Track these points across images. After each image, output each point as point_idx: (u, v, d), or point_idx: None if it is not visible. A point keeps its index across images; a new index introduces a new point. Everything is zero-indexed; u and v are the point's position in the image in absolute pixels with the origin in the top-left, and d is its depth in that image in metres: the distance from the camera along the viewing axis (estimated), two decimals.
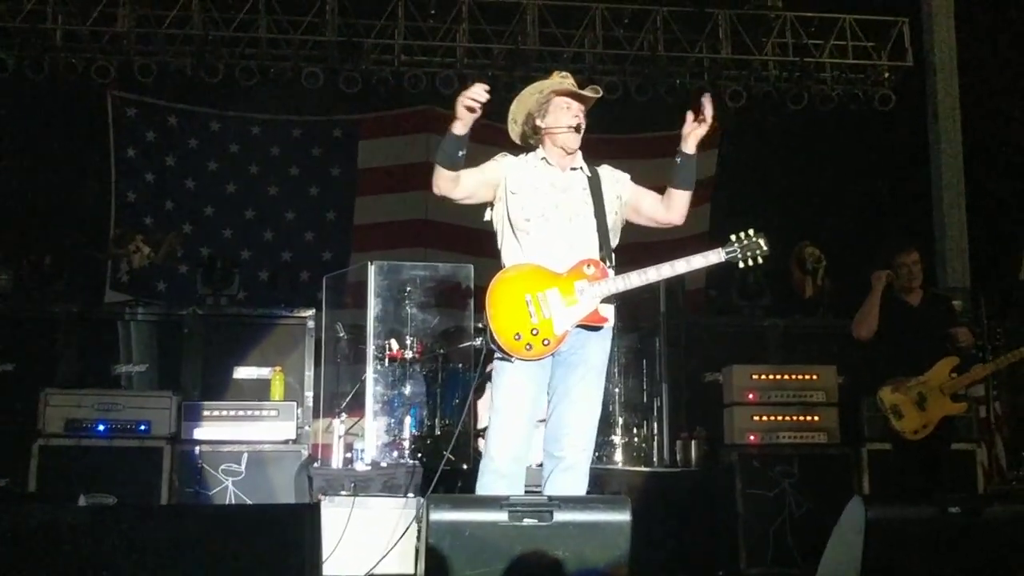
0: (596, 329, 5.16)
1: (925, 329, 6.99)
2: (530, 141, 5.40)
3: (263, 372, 9.06)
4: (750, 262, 5.08)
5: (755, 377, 8.55)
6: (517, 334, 5.02)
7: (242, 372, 9.12)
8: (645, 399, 9.55)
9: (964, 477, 8.29)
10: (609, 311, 5.14)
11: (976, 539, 4.81)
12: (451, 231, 12.22)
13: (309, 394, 9.05)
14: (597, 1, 12.62)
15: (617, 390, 9.12)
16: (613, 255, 5.22)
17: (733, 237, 5.09)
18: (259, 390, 8.92)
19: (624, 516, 4.41)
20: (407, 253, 11.85)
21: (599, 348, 5.23)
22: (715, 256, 5.09)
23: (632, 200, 5.33)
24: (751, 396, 8.49)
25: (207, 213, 12.61)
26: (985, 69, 12.87)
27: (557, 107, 5.30)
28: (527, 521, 4.37)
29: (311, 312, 9.36)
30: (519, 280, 5.10)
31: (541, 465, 5.31)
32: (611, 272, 5.11)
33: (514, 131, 5.42)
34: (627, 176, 5.41)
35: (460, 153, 5.06)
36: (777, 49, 13.01)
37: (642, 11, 12.73)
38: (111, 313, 9.47)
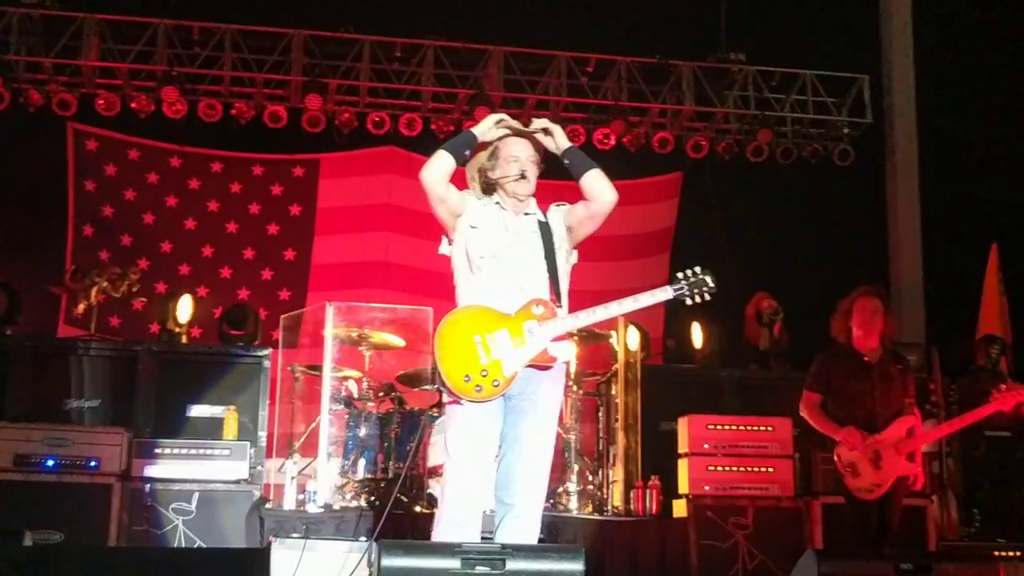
0: (546, 370, 5.14)
1: (881, 387, 7.00)
2: (487, 192, 5.42)
3: (217, 410, 8.98)
4: (697, 299, 5.09)
5: (710, 427, 8.57)
6: (467, 375, 4.99)
7: (196, 410, 9.04)
8: (600, 446, 9.54)
9: (916, 532, 8.32)
10: (559, 351, 5.11)
11: None
12: (410, 273, 12.21)
13: (263, 434, 8.98)
14: (562, 50, 12.71)
15: (573, 437, 9.08)
16: (564, 296, 5.22)
17: (680, 275, 5.10)
18: (212, 428, 8.84)
19: (577, 566, 4.39)
20: (366, 294, 11.80)
21: (550, 391, 5.21)
22: (662, 294, 5.09)
23: (571, 220, 5.34)
24: (706, 446, 8.51)
25: (165, 249, 12.51)
26: (944, 127, 13.05)
27: (505, 160, 5.32)
28: (479, 569, 4.34)
29: (267, 351, 9.31)
30: (468, 321, 5.09)
31: (494, 511, 5.27)
32: (560, 312, 5.11)
33: (474, 187, 5.45)
34: (567, 204, 5.40)
35: (467, 152, 5.20)
36: (739, 102, 13.15)
37: (606, 61, 12.84)
38: (65, 347, 9.37)
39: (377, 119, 12.47)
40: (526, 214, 5.32)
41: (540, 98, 12.77)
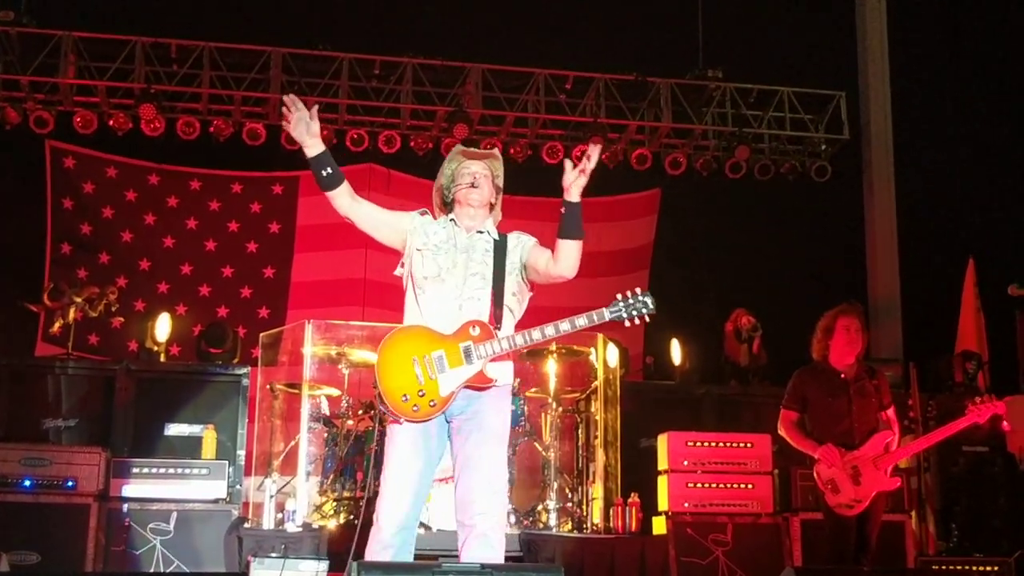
0: (484, 390, 5.17)
1: (859, 402, 7.03)
2: (445, 210, 5.50)
3: (195, 429, 8.95)
4: (636, 320, 5.09)
5: (690, 444, 8.58)
6: (405, 395, 5.06)
7: (174, 429, 9.01)
8: (580, 463, 9.54)
9: (894, 548, 8.35)
10: (498, 372, 5.17)
11: None
12: (389, 290, 12.15)
13: (241, 452, 8.95)
14: (540, 67, 12.75)
15: (552, 454, 9.09)
16: (507, 317, 5.24)
17: (619, 296, 5.10)
18: (191, 447, 8.81)
19: None
20: (345, 311, 11.78)
21: (494, 411, 5.24)
22: (598, 316, 5.11)
23: (530, 260, 5.35)
24: (686, 463, 8.52)
25: (143, 267, 12.47)
26: (920, 143, 13.13)
27: (459, 175, 5.40)
28: None
29: (246, 370, 9.29)
30: (407, 342, 5.15)
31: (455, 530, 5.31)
32: (498, 334, 5.13)
33: (438, 213, 5.52)
34: (533, 240, 5.43)
35: (323, 172, 5.18)
36: (716, 119, 13.22)
37: (584, 78, 12.88)
38: (42, 366, 9.32)
39: (356, 136, 12.48)
40: (478, 232, 5.36)
41: (519, 115, 12.81)
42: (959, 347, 11.50)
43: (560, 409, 9.35)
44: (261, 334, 9.82)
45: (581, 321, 5.09)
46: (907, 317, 12.86)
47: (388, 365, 5.12)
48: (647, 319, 5.11)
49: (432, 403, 5.07)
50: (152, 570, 7.82)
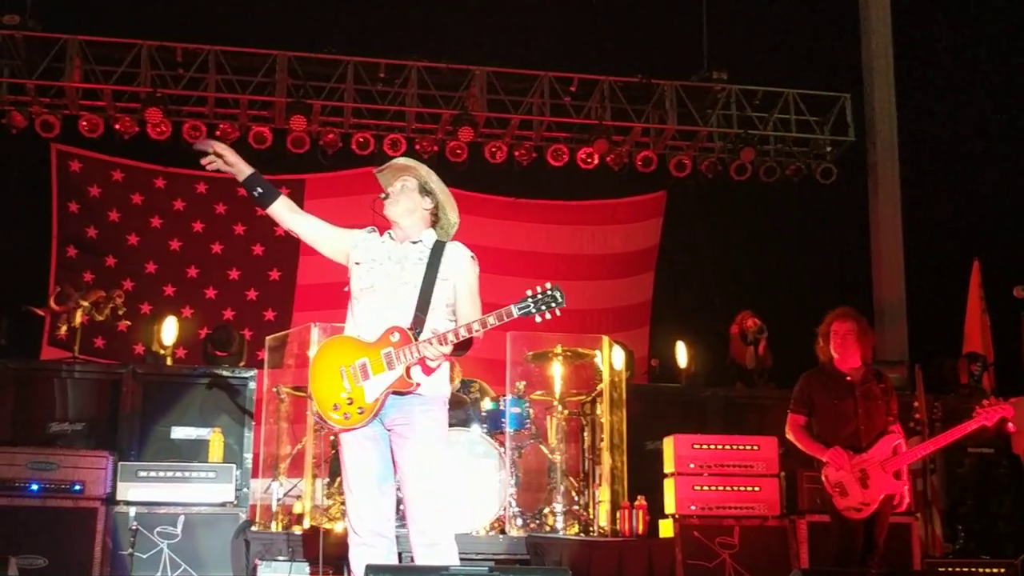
0: (410, 395, 5.25)
1: (865, 405, 7.03)
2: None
3: (202, 432, 8.98)
4: (547, 315, 5.11)
5: (696, 447, 8.58)
6: (335, 404, 5.24)
7: (180, 432, 9.03)
8: (586, 466, 9.55)
9: (901, 549, 8.35)
10: (421, 377, 5.26)
11: None
12: None
13: (248, 455, 8.96)
14: (544, 70, 12.76)
15: (558, 457, 9.09)
16: (434, 322, 5.29)
17: (529, 292, 5.12)
18: (197, 450, 8.84)
19: None
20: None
21: (426, 417, 5.33)
22: (507, 314, 5.13)
23: (454, 287, 5.42)
24: (692, 466, 8.52)
25: (149, 270, 12.49)
26: (926, 144, 13.13)
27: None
28: None
29: (252, 372, 9.31)
30: (334, 352, 5.32)
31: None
32: (417, 338, 5.21)
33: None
34: (466, 265, 5.47)
35: (255, 193, 5.53)
36: (721, 121, 13.22)
37: (589, 80, 12.89)
38: (48, 370, 9.33)
39: (361, 139, 12.50)
40: (414, 243, 5.46)
41: (523, 118, 12.81)
42: (964, 349, 11.49)
43: (566, 412, 9.35)
44: (267, 337, 9.82)
45: (491, 320, 5.13)
46: (912, 319, 12.84)
47: (318, 376, 5.32)
48: (557, 313, 5.12)
49: (360, 410, 5.22)
50: (159, 574, 7.82)
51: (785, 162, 13.28)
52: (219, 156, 5.44)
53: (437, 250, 5.42)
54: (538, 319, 5.15)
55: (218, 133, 12.26)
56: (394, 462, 5.38)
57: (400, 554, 5.81)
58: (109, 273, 12.24)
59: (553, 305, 5.11)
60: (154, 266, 12.54)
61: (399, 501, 5.56)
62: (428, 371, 5.29)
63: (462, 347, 5.21)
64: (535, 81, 12.79)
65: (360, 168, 12.74)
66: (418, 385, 5.23)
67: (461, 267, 5.45)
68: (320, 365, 5.33)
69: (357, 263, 5.45)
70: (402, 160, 5.60)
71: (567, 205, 13.44)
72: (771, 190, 13.17)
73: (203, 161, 5.46)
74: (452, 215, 5.58)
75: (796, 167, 13.26)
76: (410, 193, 5.49)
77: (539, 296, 5.11)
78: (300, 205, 5.87)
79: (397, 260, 5.40)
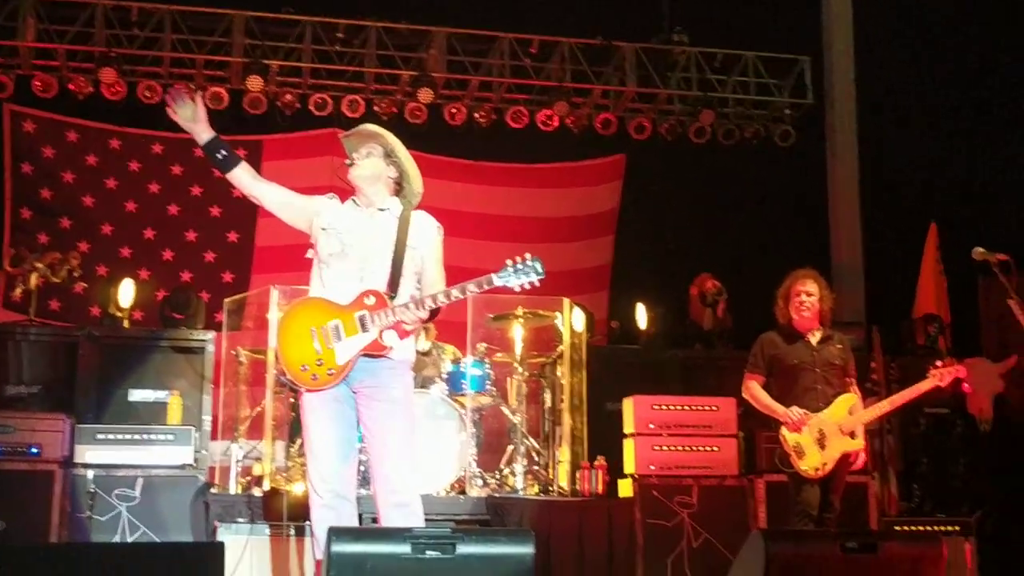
0: (381, 359, 5.30)
1: (823, 366, 7.09)
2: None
3: (160, 395, 8.92)
4: (526, 285, 5.19)
5: (655, 407, 8.62)
6: (303, 365, 5.27)
7: (138, 395, 8.97)
8: (546, 427, 9.58)
9: (857, 509, 8.44)
10: (394, 340, 5.30)
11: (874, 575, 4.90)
12: None
13: (207, 418, 8.91)
14: (504, 31, 12.70)
15: (519, 418, 9.11)
16: (406, 288, 5.38)
17: (509, 261, 5.18)
18: (156, 413, 8.77)
19: (527, 549, 4.41)
20: (308, 276, 11.71)
21: (397, 382, 5.40)
22: (486, 282, 5.20)
23: (422, 256, 5.49)
24: (651, 426, 8.56)
25: (105, 232, 12.36)
26: (884, 108, 13.19)
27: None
28: (430, 553, 4.35)
29: (210, 335, 9.25)
30: (304, 313, 5.37)
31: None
32: (392, 303, 5.27)
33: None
34: (434, 236, 5.56)
35: (218, 156, 5.53)
36: (681, 83, 13.22)
37: (549, 42, 12.84)
38: (3, 333, 9.23)
39: (319, 100, 12.40)
40: (380, 209, 5.50)
41: (483, 79, 12.76)
42: (920, 311, 11.60)
43: (526, 373, 9.37)
44: (225, 300, 9.76)
45: (471, 287, 5.21)
46: (869, 281, 12.94)
47: (287, 336, 5.35)
48: (536, 284, 5.20)
49: (330, 372, 5.25)
50: (118, 536, 7.77)
51: (744, 125, 13.31)
52: (194, 105, 5.47)
53: (405, 219, 5.46)
54: (516, 289, 5.18)
55: (177, 85, 12.12)
56: (359, 425, 5.39)
57: (360, 515, 5.85)
58: (64, 235, 12.09)
59: (533, 276, 5.18)
60: (110, 228, 12.40)
61: (360, 463, 5.58)
62: (404, 335, 5.33)
63: (432, 315, 5.31)
64: (495, 42, 12.74)
65: (318, 129, 12.66)
66: (390, 349, 5.26)
67: (429, 236, 5.52)
68: (289, 326, 5.35)
69: (323, 228, 5.46)
70: (369, 127, 5.63)
71: (527, 168, 13.40)
72: (730, 153, 13.19)
73: (170, 104, 5.49)
74: (416, 184, 5.61)
75: (755, 130, 13.28)
76: (375, 160, 5.52)
77: (519, 266, 5.17)
78: (257, 166, 5.90)
79: (365, 227, 5.43)
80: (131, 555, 5.34)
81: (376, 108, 12.56)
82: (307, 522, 7.25)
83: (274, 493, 8.00)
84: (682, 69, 13.20)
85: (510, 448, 9.13)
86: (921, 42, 12.85)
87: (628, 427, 8.65)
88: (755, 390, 7.23)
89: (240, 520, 7.66)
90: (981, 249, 6.48)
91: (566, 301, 9.36)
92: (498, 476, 8.95)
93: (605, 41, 12.90)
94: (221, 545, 5.14)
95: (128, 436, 8.09)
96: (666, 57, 13.15)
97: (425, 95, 12.28)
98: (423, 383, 8.78)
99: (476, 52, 12.77)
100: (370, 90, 12.64)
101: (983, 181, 12.20)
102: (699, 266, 11.44)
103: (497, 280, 5.18)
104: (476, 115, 12.86)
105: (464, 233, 11.76)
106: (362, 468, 6.49)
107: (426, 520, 5.35)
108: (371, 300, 5.26)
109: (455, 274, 5.55)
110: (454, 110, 12.81)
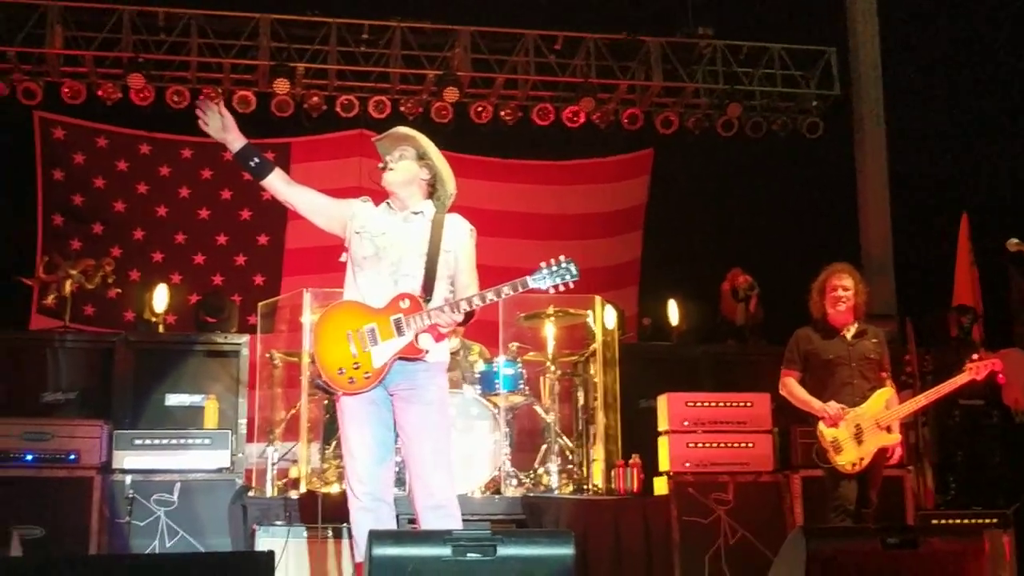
0: (416, 361, 5.33)
1: (859, 361, 7.07)
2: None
3: (196, 399, 8.97)
4: (560, 287, 5.23)
5: (689, 404, 8.62)
6: (340, 369, 5.31)
7: (174, 399, 9.02)
8: (580, 426, 9.58)
9: (894, 503, 8.41)
10: (429, 344, 5.32)
11: (915, 571, 4.89)
12: None
13: (243, 421, 8.96)
14: (529, 29, 12.70)
15: (552, 417, 9.11)
16: (440, 291, 5.41)
17: (544, 264, 5.23)
18: (192, 417, 8.82)
19: (567, 550, 4.42)
20: (338, 278, 11.73)
21: (431, 383, 5.42)
22: (521, 285, 5.22)
23: (456, 258, 5.50)
24: (686, 423, 8.56)
25: (137, 237, 12.44)
26: (912, 97, 13.12)
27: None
28: (470, 555, 4.37)
29: (245, 338, 9.29)
30: (340, 317, 5.40)
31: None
32: (427, 306, 5.29)
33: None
34: (467, 239, 5.57)
35: (252, 163, 5.54)
36: (707, 77, 13.18)
37: (574, 38, 12.83)
38: (39, 340, 9.30)
39: (346, 102, 12.44)
40: (414, 213, 5.53)
41: (508, 77, 12.76)
42: (954, 302, 11.54)
43: (558, 372, 9.36)
44: (259, 303, 9.81)
45: (506, 290, 5.23)
46: (900, 273, 12.87)
47: (323, 340, 5.38)
48: (571, 285, 5.23)
49: (367, 375, 5.28)
50: (157, 541, 7.83)
51: (771, 117, 13.26)
52: (221, 116, 5.49)
53: (439, 222, 5.48)
54: (551, 291, 5.21)
55: (202, 97, 12.17)
56: (395, 427, 5.41)
57: (398, 517, 5.86)
58: (97, 241, 12.18)
59: (568, 278, 5.22)
60: (142, 233, 12.47)
61: (398, 465, 5.60)
62: (439, 338, 5.36)
63: (466, 317, 5.31)
64: (519, 40, 12.73)
65: (345, 131, 12.71)
66: (426, 352, 5.29)
67: (462, 240, 5.53)
68: (325, 330, 5.38)
69: (358, 232, 5.49)
70: (402, 129, 5.64)
71: (553, 165, 13.41)
72: (758, 146, 13.16)
73: (201, 116, 5.48)
74: (450, 186, 5.63)
75: (782, 122, 13.24)
76: (408, 163, 5.55)
77: (554, 268, 5.21)
78: (286, 169, 5.91)
79: (399, 231, 5.45)
80: (178, 566, 5.34)
81: (402, 108, 12.59)
82: (345, 524, 7.31)
83: (310, 495, 8.04)
84: (708, 62, 13.17)
85: (544, 447, 9.13)
86: (947, 29, 12.78)
87: (662, 424, 8.65)
88: (792, 386, 7.23)
89: (278, 523, 7.69)
90: (1016, 240, 6.47)
91: (598, 299, 9.35)
92: (532, 475, 8.96)
93: (630, 36, 12.89)
94: (271, 554, 5.15)
95: (165, 441, 8.13)
96: (692, 51, 13.12)
97: (451, 94, 12.30)
98: (456, 383, 8.78)
99: (501, 50, 12.77)
100: (396, 90, 12.66)
101: (1012, 169, 12.11)
102: (730, 261, 11.41)
103: (532, 282, 5.21)
104: (502, 113, 12.87)
105: (491, 231, 11.74)
106: (397, 470, 6.51)
107: (463, 521, 5.36)
108: (406, 303, 5.28)
109: (483, 272, 5.59)
110: (480, 108, 12.81)
